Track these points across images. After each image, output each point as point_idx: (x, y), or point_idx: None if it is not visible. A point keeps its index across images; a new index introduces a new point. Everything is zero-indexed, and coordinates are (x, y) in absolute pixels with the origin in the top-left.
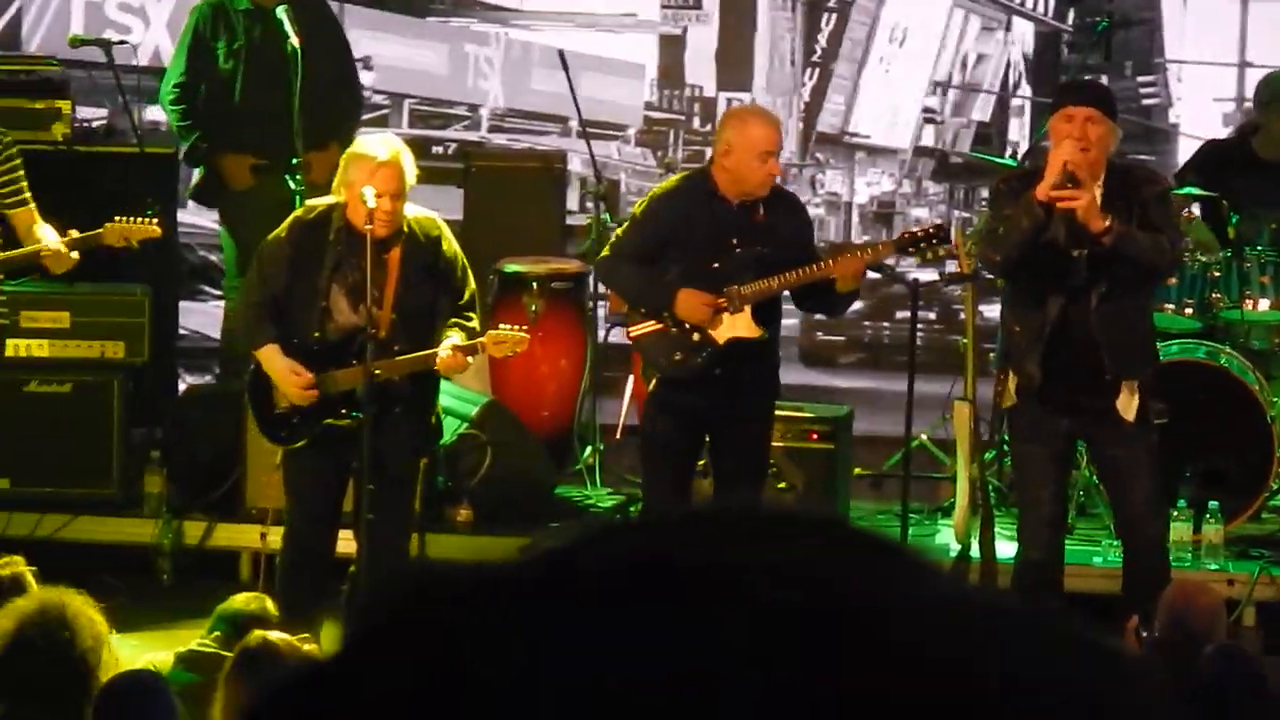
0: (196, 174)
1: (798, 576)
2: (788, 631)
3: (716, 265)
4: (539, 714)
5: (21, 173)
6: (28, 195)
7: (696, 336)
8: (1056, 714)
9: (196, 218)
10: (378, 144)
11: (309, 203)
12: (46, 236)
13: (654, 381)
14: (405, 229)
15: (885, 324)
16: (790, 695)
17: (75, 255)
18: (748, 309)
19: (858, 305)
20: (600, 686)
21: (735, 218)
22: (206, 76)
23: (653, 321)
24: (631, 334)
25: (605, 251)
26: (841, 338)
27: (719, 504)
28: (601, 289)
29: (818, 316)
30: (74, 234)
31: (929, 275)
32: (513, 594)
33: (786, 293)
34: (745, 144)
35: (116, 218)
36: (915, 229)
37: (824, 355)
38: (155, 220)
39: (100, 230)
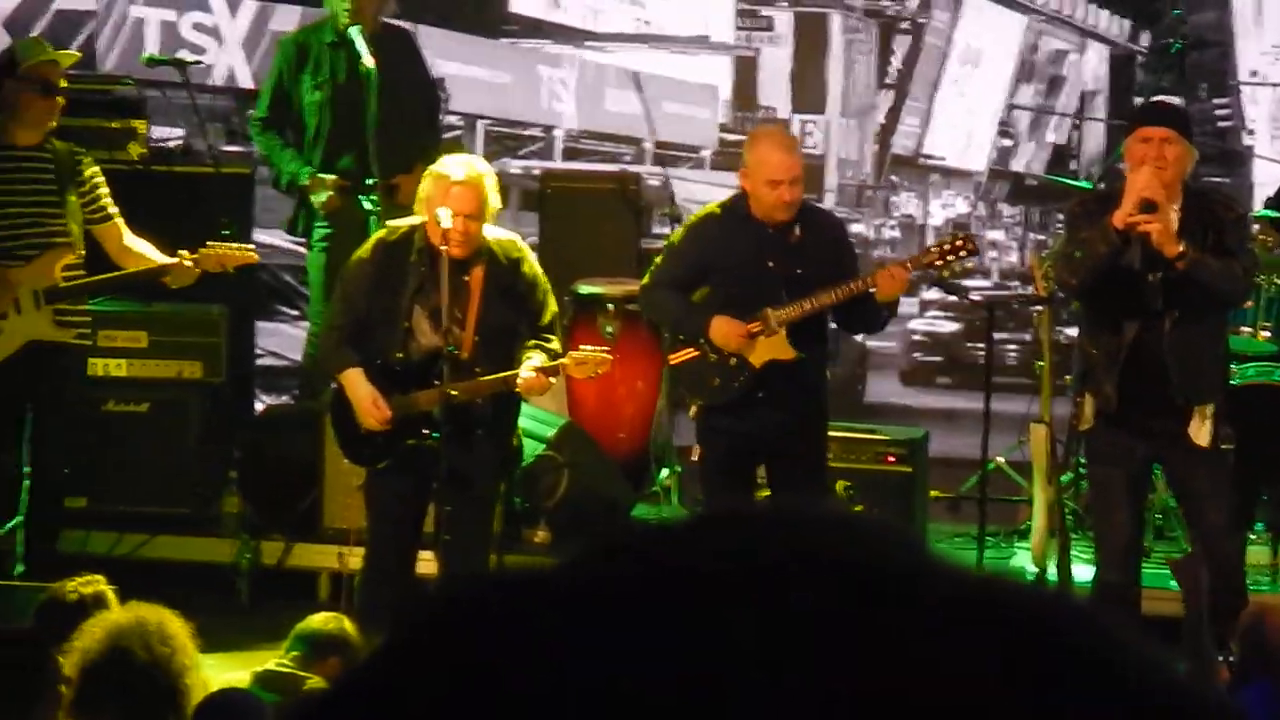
0: (290, 208)
1: (813, 576)
2: (800, 633)
3: (752, 289)
4: (558, 716)
5: (105, 190)
6: (113, 211)
7: (733, 361)
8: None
9: (273, 238)
10: (456, 164)
11: (391, 223)
12: (143, 249)
13: (695, 408)
14: (487, 250)
15: (980, 345)
16: (801, 696)
17: (196, 271)
18: (783, 331)
19: (956, 326)
20: (614, 688)
21: (770, 240)
22: (294, 109)
23: (691, 349)
24: (671, 361)
25: (645, 279)
26: (939, 358)
27: (740, 507)
28: None
29: (917, 337)
30: (185, 254)
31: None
32: (539, 599)
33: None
34: (756, 168)
35: (210, 243)
36: (947, 239)
37: (921, 376)
38: (252, 247)
39: (198, 255)
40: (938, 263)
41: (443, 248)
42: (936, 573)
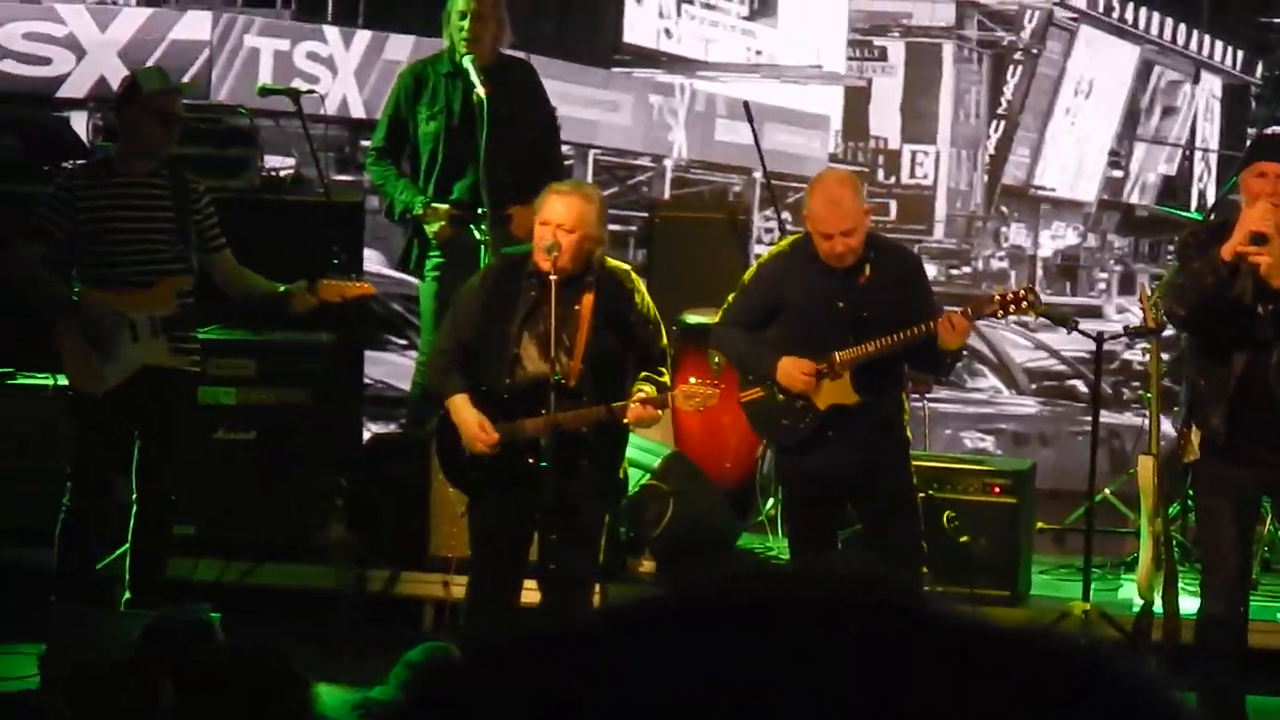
0: (401, 237)
1: (856, 611)
2: (842, 656)
3: (820, 330)
4: None
5: (216, 218)
6: (223, 240)
7: (800, 403)
8: None
9: (382, 267)
10: (559, 183)
11: (505, 251)
12: (254, 278)
13: (764, 447)
14: (597, 279)
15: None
16: (838, 711)
17: (316, 299)
18: (847, 374)
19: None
20: (661, 701)
21: (838, 281)
22: (408, 140)
23: (760, 389)
24: (741, 400)
25: (718, 316)
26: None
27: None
28: None
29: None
30: (303, 283)
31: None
32: (609, 627)
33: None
34: (810, 218)
35: (330, 276)
36: (1009, 290)
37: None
38: (368, 284)
39: (317, 286)
40: (998, 313)
41: (537, 260)
42: (959, 617)
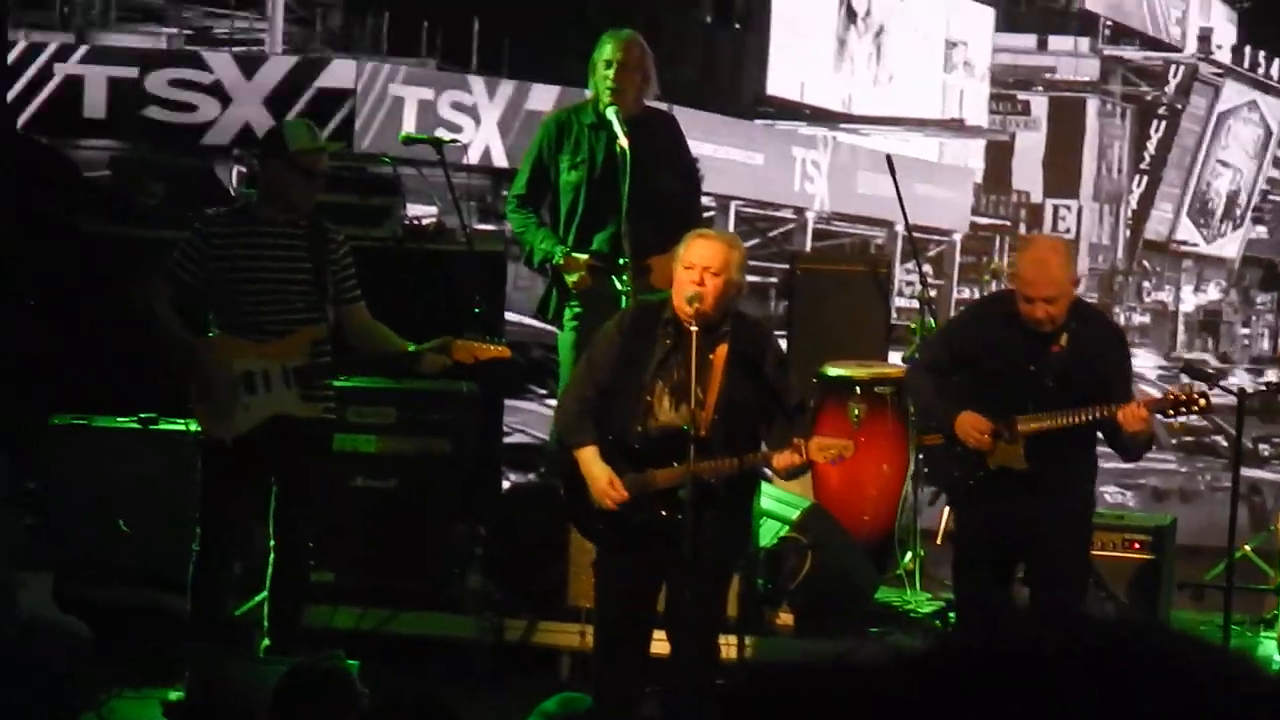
0: (541, 289)
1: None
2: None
3: (1006, 390)
4: None
5: (354, 270)
6: (359, 291)
7: (975, 456)
8: None
9: (523, 316)
10: (701, 229)
11: (642, 299)
12: (385, 332)
13: (903, 499)
14: (732, 330)
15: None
16: None
17: (449, 360)
18: (1021, 441)
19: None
20: None
21: (1033, 344)
22: (550, 188)
23: (939, 435)
24: (923, 442)
25: (910, 350)
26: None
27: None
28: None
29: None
30: (436, 343)
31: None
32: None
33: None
34: (1016, 277)
35: (466, 335)
36: (1186, 390)
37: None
38: (503, 343)
39: (455, 345)
40: (1170, 410)
41: (679, 306)
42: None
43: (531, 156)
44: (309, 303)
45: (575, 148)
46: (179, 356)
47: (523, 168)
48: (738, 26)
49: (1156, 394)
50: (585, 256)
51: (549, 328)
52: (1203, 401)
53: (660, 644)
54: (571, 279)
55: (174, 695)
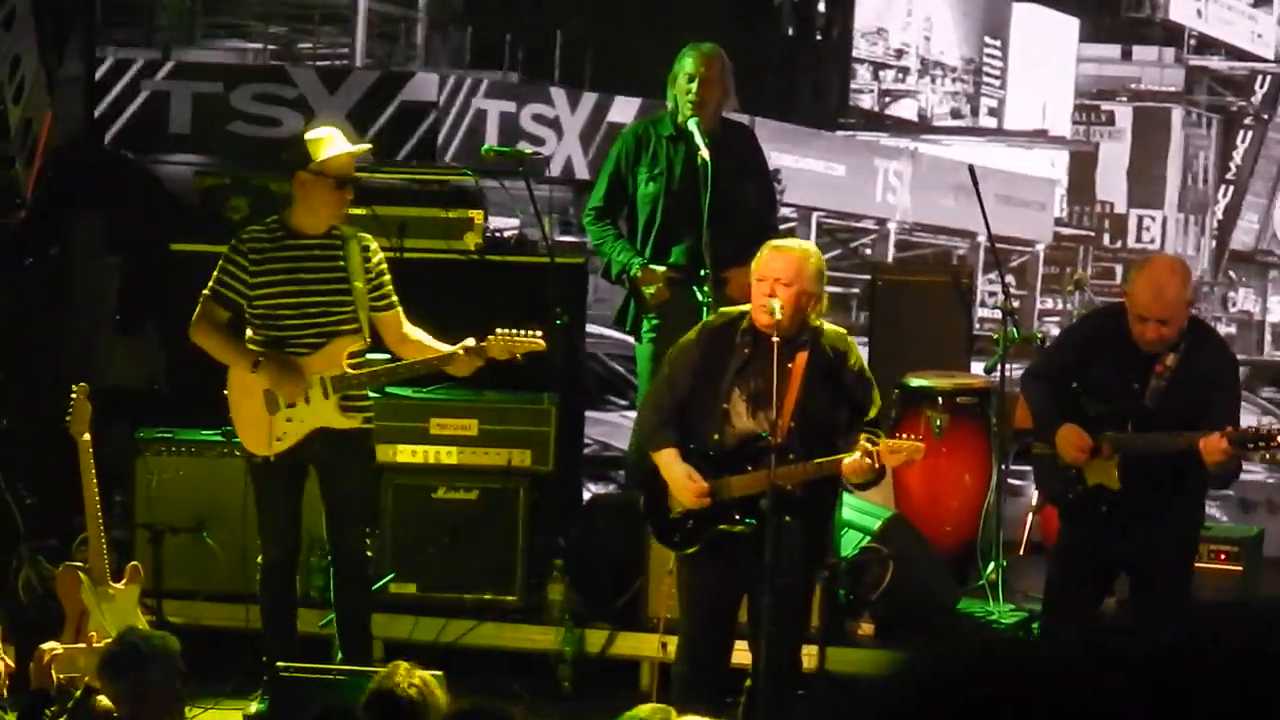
0: (619, 301)
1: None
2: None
3: (1109, 406)
4: None
5: (389, 277)
6: (395, 299)
7: (1072, 471)
8: None
9: (604, 328)
10: (777, 239)
11: (722, 310)
12: (421, 338)
13: (985, 509)
14: (812, 339)
15: None
16: None
17: (479, 360)
18: (1115, 460)
19: None
20: None
21: (1139, 363)
22: (627, 200)
23: (1047, 445)
24: (1034, 451)
25: (1028, 368)
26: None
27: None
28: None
29: None
30: (470, 342)
31: None
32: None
33: None
34: (1129, 296)
35: (499, 330)
36: (1266, 429)
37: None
38: (540, 334)
39: (485, 343)
40: (1249, 445)
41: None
42: None
43: (609, 168)
44: (345, 313)
45: (653, 160)
46: (241, 376)
47: (600, 179)
48: (819, 39)
49: (1251, 421)
50: (663, 269)
51: (629, 339)
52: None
53: (742, 654)
54: (649, 291)
55: (255, 708)
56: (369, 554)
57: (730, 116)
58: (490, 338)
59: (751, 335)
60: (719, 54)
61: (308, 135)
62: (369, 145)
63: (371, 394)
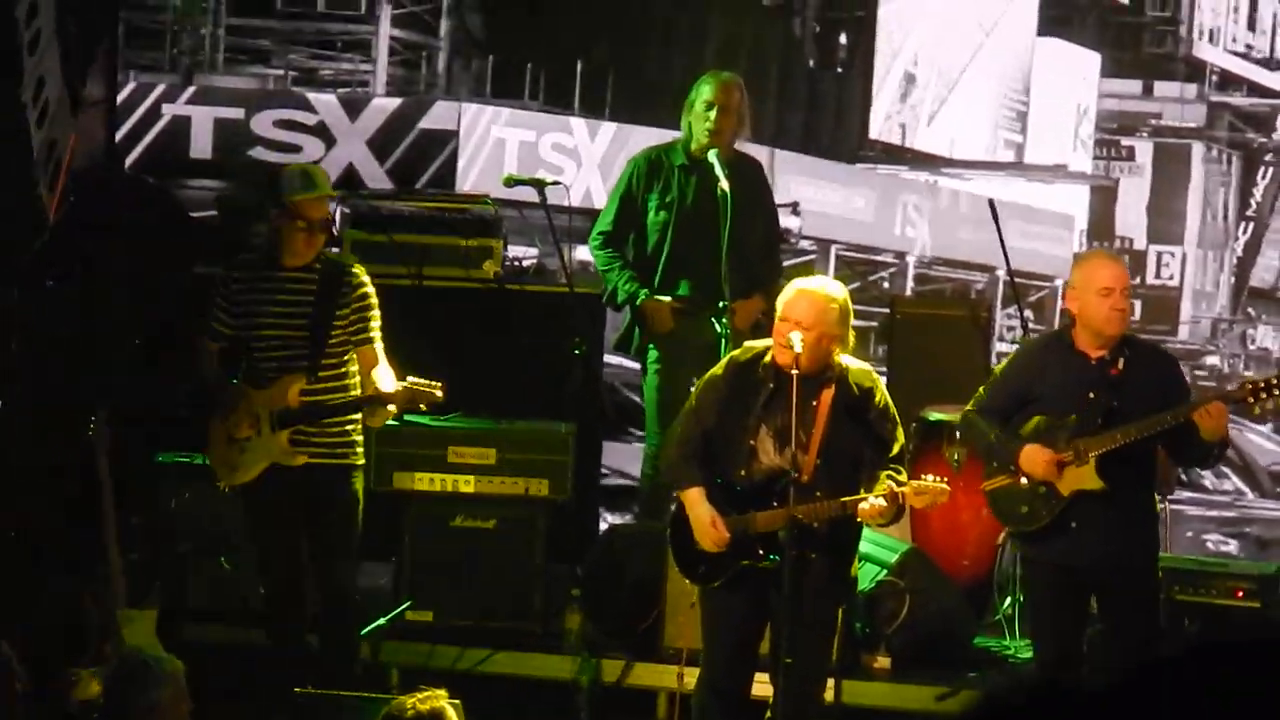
0: (621, 325)
1: None
2: None
3: (1069, 418)
4: None
5: (373, 311)
6: (374, 334)
7: (1043, 489)
8: None
9: (622, 358)
10: (804, 279)
11: (747, 344)
12: (383, 379)
13: (1005, 534)
14: (837, 376)
15: None
16: None
17: (391, 410)
18: (1092, 461)
19: None
20: None
21: (1091, 371)
22: (636, 227)
23: (1004, 476)
24: (985, 488)
25: (969, 405)
26: None
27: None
28: None
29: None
30: (402, 384)
31: None
32: None
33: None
34: (1085, 281)
35: (410, 378)
36: (1261, 378)
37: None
38: (440, 387)
39: (391, 393)
40: (1249, 399)
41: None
42: None
43: (620, 193)
44: (305, 348)
45: (665, 188)
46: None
47: (610, 204)
48: (840, 71)
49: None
50: (669, 300)
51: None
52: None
53: (761, 686)
54: (653, 322)
55: None
56: (351, 590)
57: (743, 149)
58: (399, 384)
59: (775, 371)
60: (737, 83)
61: (282, 171)
62: (337, 192)
63: (392, 422)
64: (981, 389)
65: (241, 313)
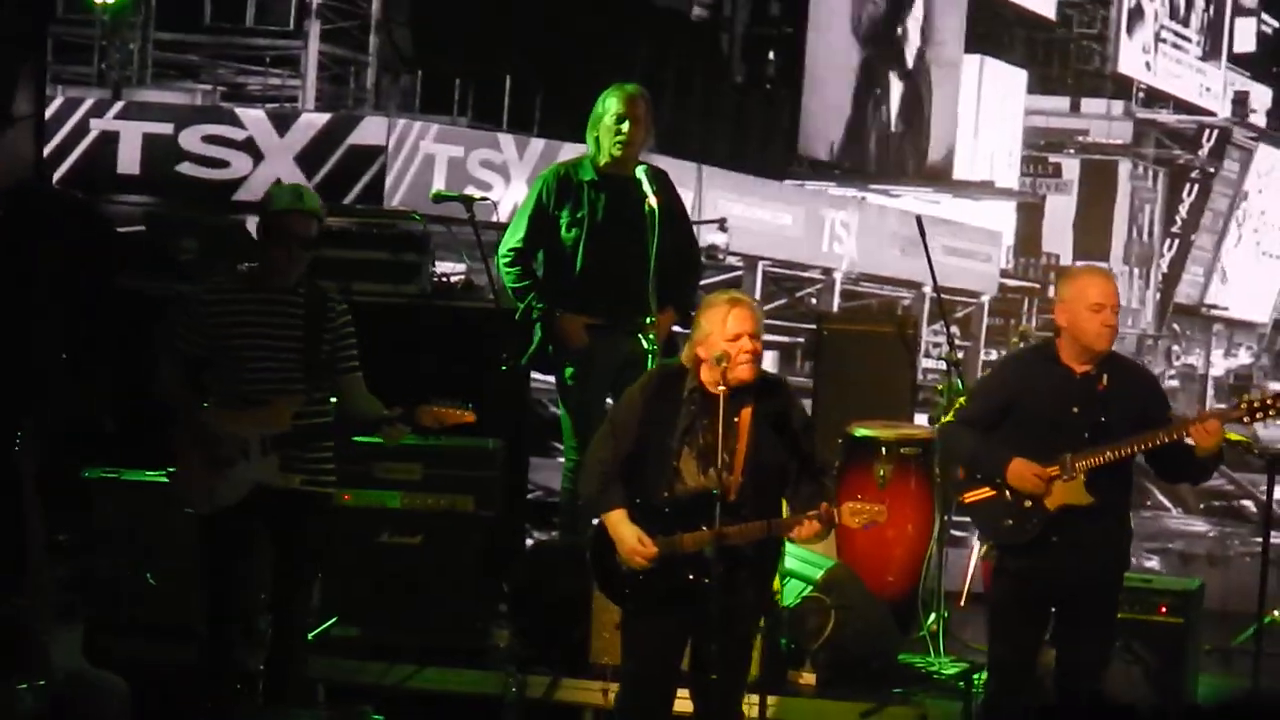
0: (533, 341)
1: None
2: None
3: (1054, 433)
4: None
5: (353, 340)
6: (357, 362)
7: (1028, 503)
8: None
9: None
10: (727, 295)
11: (663, 362)
12: (370, 405)
13: (987, 548)
14: (755, 390)
15: None
16: None
17: (406, 429)
18: (1081, 476)
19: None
20: None
21: (1077, 386)
22: (546, 244)
23: (987, 488)
24: (966, 500)
25: (949, 416)
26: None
27: None
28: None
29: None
30: (396, 411)
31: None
32: None
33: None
34: (1076, 296)
35: (434, 401)
36: (1259, 396)
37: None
38: (471, 408)
39: (414, 411)
40: (1245, 419)
41: (728, 376)
42: None
43: (530, 208)
44: (295, 371)
45: (575, 204)
46: (183, 425)
47: (519, 221)
48: (769, 87)
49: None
50: (582, 318)
51: None
52: (1278, 403)
53: (682, 702)
54: (567, 339)
55: None
56: (306, 616)
57: (649, 158)
58: (422, 407)
59: (699, 391)
60: (643, 94)
61: (271, 188)
62: (317, 210)
63: None
64: (962, 399)
65: (219, 333)
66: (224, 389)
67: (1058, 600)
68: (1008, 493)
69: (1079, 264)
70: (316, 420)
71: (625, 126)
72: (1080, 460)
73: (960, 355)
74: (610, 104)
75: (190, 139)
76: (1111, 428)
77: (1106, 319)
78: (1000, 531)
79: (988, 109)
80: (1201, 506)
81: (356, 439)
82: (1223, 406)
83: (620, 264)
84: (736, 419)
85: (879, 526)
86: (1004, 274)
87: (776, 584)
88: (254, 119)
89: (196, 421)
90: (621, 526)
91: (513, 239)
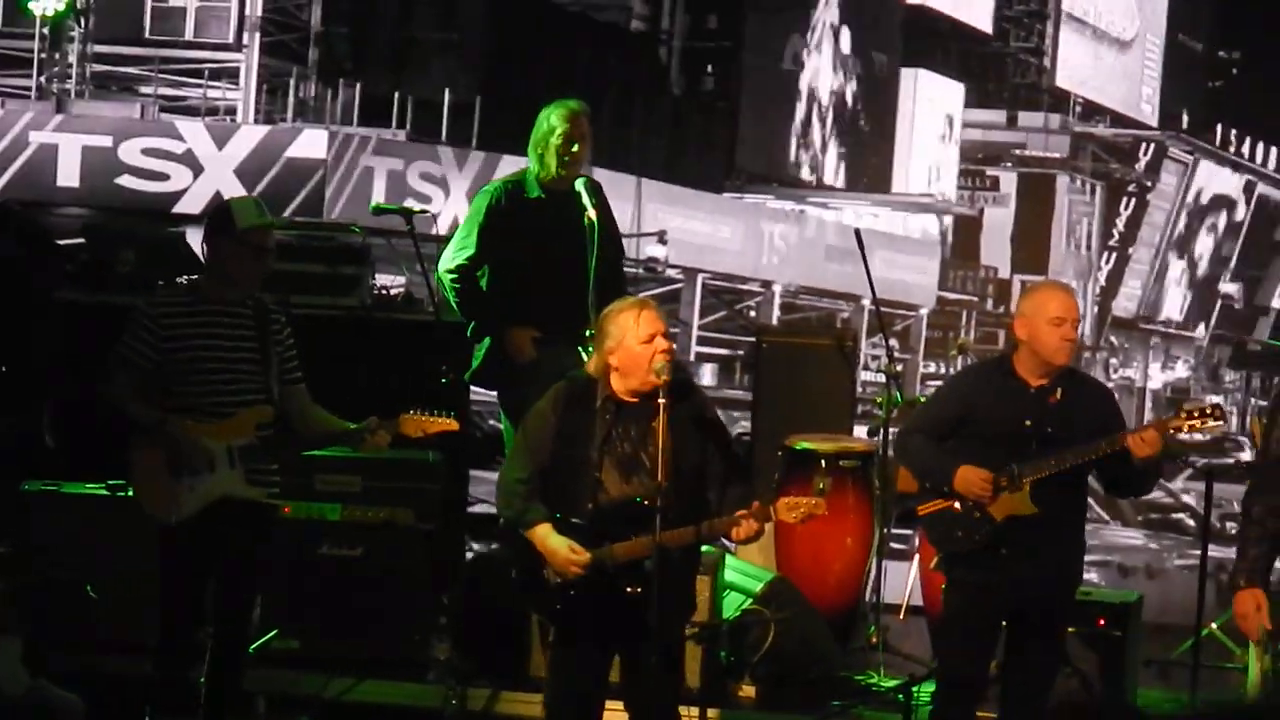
0: (476, 357)
1: None
2: None
3: (1003, 444)
4: None
5: (296, 351)
6: (301, 374)
7: (977, 514)
8: None
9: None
10: (627, 299)
11: (570, 375)
12: (324, 413)
13: (937, 559)
14: (665, 392)
15: None
16: None
17: (387, 437)
18: (1026, 487)
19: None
20: None
21: (1030, 399)
22: (490, 258)
23: (939, 500)
24: (920, 512)
25: (905, 425)
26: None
27: None
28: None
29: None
30: (374, 420)
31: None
32: None
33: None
34: (1036, 310)
35: (414, 410)
36: (1196, 406)
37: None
38: (453, 415)
39: (397, 420)
40: (1183, 428)
41: (652, 378)
42: None
43: (476, 224)
44: (255, 383)
45: (521, 220)
46: (149, 437)
47: (463, 235)
48: (706, 100)
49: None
50: (529, 331)
51: None
52: (1217, 414)
53: (614, 714)
54: (517, 353)
55: None
56: (249, 628)
57: (589, 173)
58: (404, 416)
59: (612, 401)
60: (584, 109)
61: (231, 203)
62: (286, 220)
63: None
64: (918, 410)
65: (175, 346)
66: (181, 402)
67: (1008, 613)
68: (957, 504)
69: (1038, 278)
70: (274, 432)
71: (575, 147)
72: (1025, 471)
73: (899, 368)
74: (553, 121)
75: (130, 151)
76: (1062, 441)
77: (1066, 333)
78: (952, 541)
79: (924, 123)
80: (1140, 519)
81: (305, 452)
82: (1163, 417)
83: (564, 277)
84: (654, 423)
85: (819, 539)
86: (942, 287)
87: (706, 592)
88: (193, 132)
89: (165, 433)
90: (550, 539)
91: (460, 254)
